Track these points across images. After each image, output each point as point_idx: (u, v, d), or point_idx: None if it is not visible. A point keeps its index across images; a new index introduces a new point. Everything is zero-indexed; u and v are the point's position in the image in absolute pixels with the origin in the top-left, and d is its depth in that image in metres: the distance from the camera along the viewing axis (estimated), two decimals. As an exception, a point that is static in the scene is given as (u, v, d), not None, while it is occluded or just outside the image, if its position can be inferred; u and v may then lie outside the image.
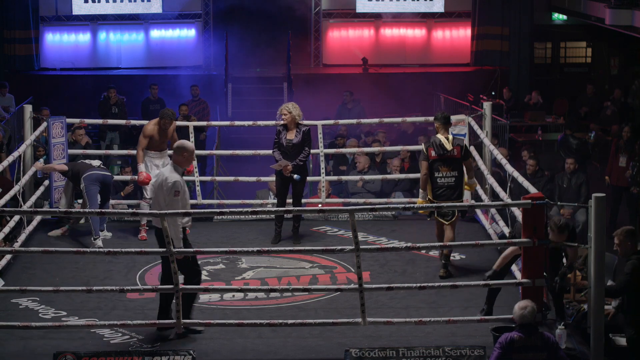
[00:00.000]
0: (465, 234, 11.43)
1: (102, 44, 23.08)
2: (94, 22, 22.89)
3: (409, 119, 13.86)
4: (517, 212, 10.10)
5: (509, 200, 10.37)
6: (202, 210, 12.02)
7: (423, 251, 10.57)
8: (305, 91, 21.04)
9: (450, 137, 10.45)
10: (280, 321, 8.61)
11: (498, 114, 18.42)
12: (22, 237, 11.01)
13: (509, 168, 10.66)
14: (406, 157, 14.37)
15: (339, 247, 8.61)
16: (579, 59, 24.12)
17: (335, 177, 13.43)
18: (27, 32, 22.21)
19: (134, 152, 11.81)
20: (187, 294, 8.69)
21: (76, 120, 13.36)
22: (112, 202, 12.12)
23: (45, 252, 9.07)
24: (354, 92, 19.75)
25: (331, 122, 13.39)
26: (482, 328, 8.60)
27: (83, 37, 23.00)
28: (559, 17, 23.28)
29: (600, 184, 14.81)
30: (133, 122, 14.19)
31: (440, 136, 10.39)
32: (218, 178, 14.04)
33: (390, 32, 23.59)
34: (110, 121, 14.41)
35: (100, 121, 14.96)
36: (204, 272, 10.35)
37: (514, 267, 9.85)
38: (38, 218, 11.60)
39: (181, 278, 8.58)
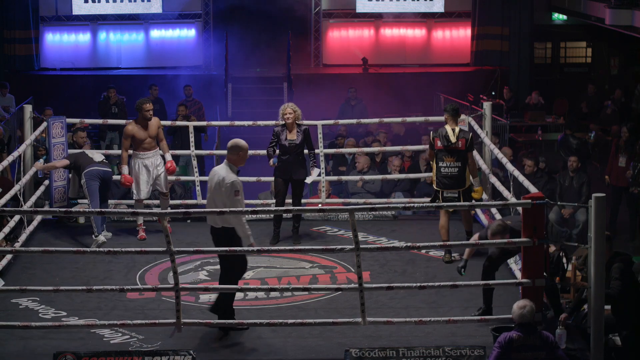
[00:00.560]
0: (465, 233, 11.42)
1: (102, 44, 23.09)
2: (94, 22, 22.90)
3: (409, 119, 13.86)
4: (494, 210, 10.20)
5: (510, 200, 10.38)
6: (202, 210, 12.01)
7: (423, 251, 10.56)
8: (305, 91, 21.04)
9: (457, 129, 10.69)
10: (280, 321, 8.61)
11: (498, 114, 18.43)
12: (23, 237, 11.01)
13: (509, 167, 10.67)
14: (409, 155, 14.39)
15: (339, 247, 8.61)
16: (579, 59, 24.12)
17: (335, 177, 13.43)
18: (27, 32, 22.22)
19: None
20: (226, 294, 8.76)
21: (76, 121, 13.35)
22: (111, 202, 12.14)
23: (45, 252, 9.07)
24: (355, 92, 19.76)
25: (331, 122, 13.38)
26: (482, 328, 8.61)
27: (83, 37, 23.01)
28: (559, 17, 23.29)
29: (600, 184, 14.82)
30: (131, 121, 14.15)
31: (447, 127, 10.66)
32: (218, 178, 14.00)
33: (390, 32, 23.60)
34: (110, 121, 14.40)
35: (100, 121, 14.95)
36: (203, 272, 10.37)
37: (514, 267, 9.86)
38: (38, 218, 11.60)
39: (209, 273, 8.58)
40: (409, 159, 14.71)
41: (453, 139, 10.56)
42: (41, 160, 12.23)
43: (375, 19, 23.44)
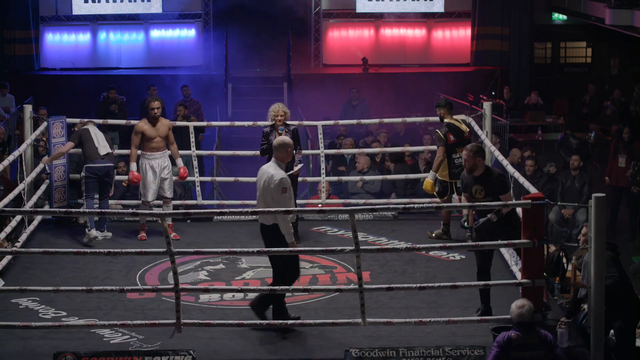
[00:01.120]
0: (465, 233, 11.43)
1: (102, 44, 23.10)
2: (94, 22, 22.90)
3: (409, 119, 13.85)
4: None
5: (510, 200, 10.36)
6: (202, 210, 12.03)
7: (423, 251, 10.57)
8: (305, 91, 21.05)
9: (459, 118, 11.33)
10: (280, 321, 8.61)
11: (498, 114, 18.43)
12: (23, 237, 11.02)
13: (510, 169, 10.67)
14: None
15: (339, 247, 8.61)
16: (579, 59, 24.12)
17: (335, 178, 13.42)
18: (27, 32, 22.23)
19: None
20: (278, 294, 8.81)
21: (76, 120, 13.34)
22: (111, 202, 12.12)
23: (46, 252, 9.08)
24: (355, 92, 19.77)
25: (331, 122, 13.38)
26: (482, 328, 8.60)
27: (83, 37, 23.02)
28: (559, 17, 23.29)
29: (600, 184, 14.82)
30: (133, 122, 14.16)
31: (452, 121, 11.11)
32: (218, 178, 14.03)
33: (390, 32, 23.60)
34: (111, 121, 14.39)
35: (100, 121, 14.92)
36: (203, 272, 10.37)
37: (514, 268, 9.86)
38: (39, 218, 11.60)
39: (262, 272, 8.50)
40: (409, 158, 14.69)
41: (465, 129, 11.14)
42: (46, 157, 12.15)
43: (375, 19, 23.45)
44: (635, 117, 19.29)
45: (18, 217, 11.10)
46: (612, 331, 8.70)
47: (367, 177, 13.74)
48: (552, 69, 24.03)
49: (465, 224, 9.52)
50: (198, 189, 12.55)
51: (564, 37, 23.79)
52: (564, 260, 10.52)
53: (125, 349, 8.40)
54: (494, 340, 7.86)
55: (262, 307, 8.95)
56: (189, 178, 13.05)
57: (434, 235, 11.36)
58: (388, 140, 16.26)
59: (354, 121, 13.92)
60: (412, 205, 9.71)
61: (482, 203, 8.89)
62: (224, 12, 22.71)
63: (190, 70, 22.30)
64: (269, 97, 20.65)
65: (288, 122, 11.19)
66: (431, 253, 10.78)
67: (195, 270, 10.45)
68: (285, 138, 9.07)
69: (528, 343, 7.73)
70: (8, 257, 10.28)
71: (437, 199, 11.41)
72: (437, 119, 11.89)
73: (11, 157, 11.24)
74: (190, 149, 12.84)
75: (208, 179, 13.91)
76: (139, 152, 11.35)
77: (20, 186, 11.26)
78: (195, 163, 12.88)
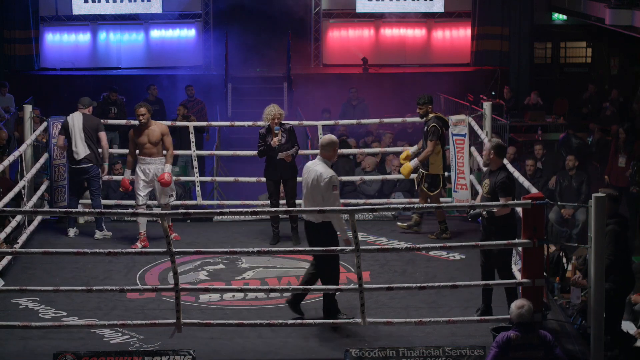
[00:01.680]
0: (465, 234, 11.44)
1: (102, 44, 23.09)
2: (94, 22, 22.89)
3: (409, 119, 13.86)
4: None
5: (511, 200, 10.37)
6: (202, 210, 12.02)
7: (423, 251, 10.57)
8: (305, 91, 21.03)
9: (459, 117, 12.14)
10: (280, 321, 8.62)
11: (498, 114, 18.41)
12: (23, 237, 11.01)
13: (509, 168, 10.64)
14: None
15: (339, 247, 8.62)
16: (579, 59, 24.11)
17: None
18: (27, 32, 22.21)
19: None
20: (328, 294, 8.89)
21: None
22: (113, 202, 12.12)
23: (46, 253, 9.07)
24: (355, 92, 19.76)
25: (331, 122, 13.37)
26: (482, 328, 8.61)
27: (83, 37, 23.00)
28: (559, 17, 23.27)
29: (600, 184, 14.82)
30: (133, 122, 14.15)
31: (439, 116, 11.52)
32: (218, 178, 14.03)
33: (390, 32, 23.59)
34: (111, 121, 14.39)
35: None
36: (203, 272, 10.37)
37: (513, 267, 9.85)
38: (39, 218, 11.60)
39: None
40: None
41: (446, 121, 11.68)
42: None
43: (375, 19, 23.43)
44: (639, 114, 19.30)
45: (18, 217, 11.10)
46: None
47: (367, 177, 13.74)
48: (552, 69, 24.02)
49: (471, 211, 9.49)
50: (198, 189, 12.55)
51: (564, 37, 23.78)
52: (564, 260, 10.52)
53: (125, 349, 8.40)
54: (494, 341, 7.86)
55: (333, 305, 8.96)
56: (189, 178, 13.06)
57: (434, 236, 11.40)
58: (392, 143, 16.25)
59: (354, 121, 13.93)
60: (412, 205, 9.71)
61: (481, 204, 8.94)
62: (224, 12, 22.70)
63: (190, 70, 22.29)
64: (269, 97, 20.64)
65: (283, 122, 11.21)
66: (431, 253, 10.79)
67: (195, 270, 10.45)
68: (333, 137, 9.14)
69: (527, 343, 7.73)
70: (8, 257, 10.28)
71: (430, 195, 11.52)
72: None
73: (11, 157, 11.24)
74: (190, 149, 12.83)
75: (208, 179, 13.91)
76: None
77: (20, 184, 11.26)
78: (195, 163, 12.87)
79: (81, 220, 11.91)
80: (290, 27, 22.37)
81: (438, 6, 23.21)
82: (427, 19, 23.44)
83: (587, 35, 23.18)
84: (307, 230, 9.01)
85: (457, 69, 23.16)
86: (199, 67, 22.68)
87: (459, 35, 23.58)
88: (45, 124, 12.26)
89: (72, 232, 11.56)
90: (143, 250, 10.56)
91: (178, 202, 12.79)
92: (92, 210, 11.18)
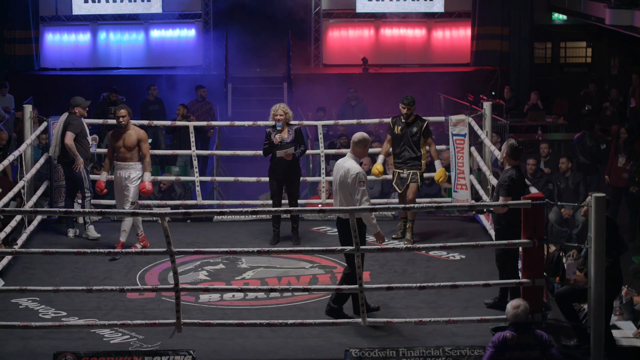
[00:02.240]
0: (465, 234, 11.44)
1: (102, 44, 23.09)
2: (94, 22, 22.90)
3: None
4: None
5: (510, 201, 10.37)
6: (202, 210, 12.02)
7: (423, 251, 10.57)
8: (305, 91, 21.03)
9: (458, 117, 12.02)
10: (280, 321, 8.61)
11: (498, 114, 18.41)
12: (23, 237, 11.01)
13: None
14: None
15: (339, 247, 8.62)
16: (579, 59, 24.11)
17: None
18: (27, 32, 22.22)
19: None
20: (344, 294, 8.90)
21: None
22: (108, 202, 12.09)
23: (46, 252, 9.07)
24: (354, 92, 19.76)
25: (331, 122, 13.37)
26: (482, 328, 8.61)
27: (83, 37, 23.01)
28: (559, 17, 23.28)
29: (600, 184, 14.82)
30: (110, 121, 14.11)
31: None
32: (218, 178, 14.03)
33: (390, 32, 23.60)
34: (110, 121, 14.38)
35: (100, 121, 14.94)
36: (203, 272, 10.37)
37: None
38: (38, 218, 11.60)
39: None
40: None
41: None
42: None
43: (375, 19, 23.44)
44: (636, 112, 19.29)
45: (17, 217, 11.10)
46: None
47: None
48: (552, 69, 24.02)
49: None
50: (198, 189, 12.55)
51: (564, 37, 23.78)
52: (564, 260, 10.51)
53: (125, 349, 8.40)
54: (490, 341, 7.86)
55: (355, 303, 8.94)
56: (189, 178, 13.06)
57: (398, 235, 11.36)
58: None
59: (354, 121, 13.91)
60: (412, 205, 9.71)
61: (481, 204, 8.98)
62: (224, 12, 22.71)
63: (190, 70, 22.30)
64: (269, 97, 20.67)
65: (291, 123, 11.21)
66: (431, 253, 10.79)
67: (195, 270, 10.45)
68: (365, 134, 9.16)
69: (523, 343, 7.73)
70: (8, 257, 10.27)
71: (438, 199, 11.45)
72: (437, 119, 11.94)
73: (11, 157, 11.24)
74: (190, 148, 12.82)
75: (208, 179, 13.91)
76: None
77: (20, 184, 11.25)
78: (195, 163, 12.87)
79: (80, 220, 11.90)
80: (290, 27, 22.37)
81: (438, 6, 23.21)
82: (427, 19, 23.44)
83: (587, 35, 23.18)
84: (338, 226, 9.13)
85: (457, 69, 23.16)
86: (199, 67, 22.69)
87: (459, 35, 23.59)
88: (45, 124, 12.27)
89: (71, 232, 11.55)
90: (143, 250, 10.55)
91: (178, 202, 12.80)
92: (92, 210, 11.17)
